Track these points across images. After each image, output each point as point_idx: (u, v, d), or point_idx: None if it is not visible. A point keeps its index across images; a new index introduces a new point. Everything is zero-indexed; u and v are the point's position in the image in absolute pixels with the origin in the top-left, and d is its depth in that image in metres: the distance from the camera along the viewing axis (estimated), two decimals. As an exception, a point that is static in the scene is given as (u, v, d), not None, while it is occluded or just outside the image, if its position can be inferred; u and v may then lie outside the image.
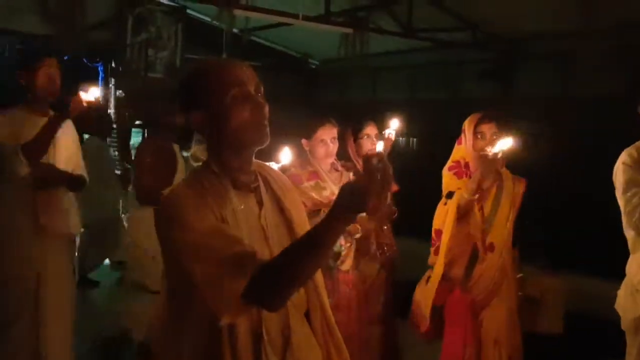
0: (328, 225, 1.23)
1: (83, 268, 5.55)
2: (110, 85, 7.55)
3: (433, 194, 2.99)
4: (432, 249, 2.89)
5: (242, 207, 1.42)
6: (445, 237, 2.76)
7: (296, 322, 1.46)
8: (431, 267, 2.92)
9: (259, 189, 1.50)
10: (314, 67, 8.71)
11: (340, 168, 3.06)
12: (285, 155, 2.33)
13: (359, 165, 3.22)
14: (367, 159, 1.17)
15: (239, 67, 1.44)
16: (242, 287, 1.26)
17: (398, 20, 6.20)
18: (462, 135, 2.89)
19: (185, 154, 7.46)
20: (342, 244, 2.82)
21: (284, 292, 1.31)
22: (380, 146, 1.26)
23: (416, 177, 4.56)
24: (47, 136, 2.69)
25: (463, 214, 2.73)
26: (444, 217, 2.79)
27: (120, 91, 7.67)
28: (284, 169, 2.43)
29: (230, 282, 1.27)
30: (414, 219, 3.37)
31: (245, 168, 1.47)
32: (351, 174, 3.05)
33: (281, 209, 1.52)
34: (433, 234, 2.88)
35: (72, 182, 2.95)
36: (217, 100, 1.40)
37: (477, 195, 2.69)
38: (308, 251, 1.27)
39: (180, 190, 1.40)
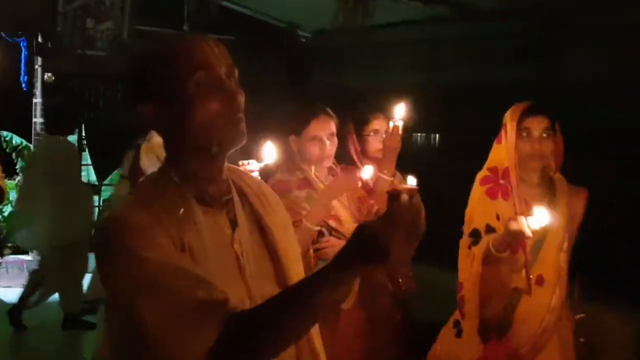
0: (331, 275, 1.22)
1: None
2: (36, 66, 7.51)
3: (459, 207, 2.96)
4: (458, 297, 2.87)
5: (210, 227, 1.41)
6: (471, 295, 2.76)
7: None
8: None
9: (232, 204, 1.48)
10: (303, 40, 8.68)
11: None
12: (269, 153, 2.31)
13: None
14: (394, 195, 1.16)
15: (205, 44, 1.41)
16: (208, 345, 1.24)
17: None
18: (503, 131, 2.87)
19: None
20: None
21: (264, 355, 1.30)
22: (412, 180, 1.22)
23: (437, 185, 4.51)
24: None
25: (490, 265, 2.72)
26: (468, 267, 2.79)
27: (50, 74, 7.64)
28: (267, 172, 2.44)
29: (191, 339, 1.24)
30: (435, 241, 3.34)
31: (214, 176, 1.46)
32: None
33: (262, 230, 1.51)
34: (458, 284, 2.87)
35: None
36: (176, 87, 1.38)
37: (506, 253, 2.65)
38: (300, 307, 1.25)
39: (128, 208, 1.37)
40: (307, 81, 8.27)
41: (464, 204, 2.95)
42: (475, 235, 2.78)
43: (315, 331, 1.52)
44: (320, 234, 2.77)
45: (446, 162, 6.32)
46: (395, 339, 3.13)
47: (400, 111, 3.00)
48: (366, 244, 1.17)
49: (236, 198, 1.49)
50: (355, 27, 6.59)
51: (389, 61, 7.68)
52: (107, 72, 7.70)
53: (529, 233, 2.48)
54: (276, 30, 8.52)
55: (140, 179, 1.49)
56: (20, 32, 7.33)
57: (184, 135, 1.40)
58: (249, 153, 2.34)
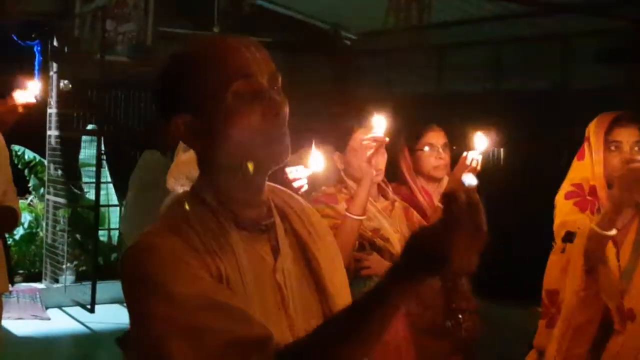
0: (388, 291, 1.19)
1: None
2: (51, 72, 7.63)
3: (532, 231, 2.94)
4: (541, 322, 2.84)
5: (249, 255, 1.40)
6: (570, 302, 2.71)
7: None
8: (534, 348, 2.88)
9: (275, 229, 1.47)
10: (349, 43, 8.72)
11: (392, 195, 3.00)
12: (316, 160, 2.35)
13: (417, 187, 3.22)
14: (451, 197, 1.14)
15: (244, 48, 1.39)
16: None
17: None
18: (585, 146, 2.86)
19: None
20: None
21: None
22: (470, 179, 1.19)
23: (506, 207, 4.47)
24: None
25: (593, 264, 2.67)
26: (562, 270, 2.76)
27: (66, 81, 7.75)
28: (313, 180, 2.45)
29: None
30: (504, 273, 3.29)
31: (253, 198, 1.45)
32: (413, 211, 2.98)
33: (307, 259, 1.50)
34: (544, 298, 2.84)
35: (3, 219, 2.97)
36: (211, 98, 1.36)
37: (615, 231, 2.60)
38: (353, 331, 1.24)
39: (159, 236, 1.36)
40: (353, 88, 8.28)
41: (539, 225, 2.96)
42: (569, 238, 2.76)
43: None
44: (361, 246, 2.78)
45: (514, 179, 6.27)
46: None
47: (480, 142, 3.04)
48: (423, 251, 1.16)
49: (278, 222, 1.48)
50: (408, 27, 6.61)
51: (446, 66, 7.67)
52: (129, 80, 7.78)
53: None
54: (319, 32, 8.60)
55: (170, 201, 1.48)
56: (33, 35, 7.45)
57: (221, 152, 1.38)
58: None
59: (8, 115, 2.77)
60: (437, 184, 3.32)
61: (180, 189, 2.36)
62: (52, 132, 7.79)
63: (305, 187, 2.42)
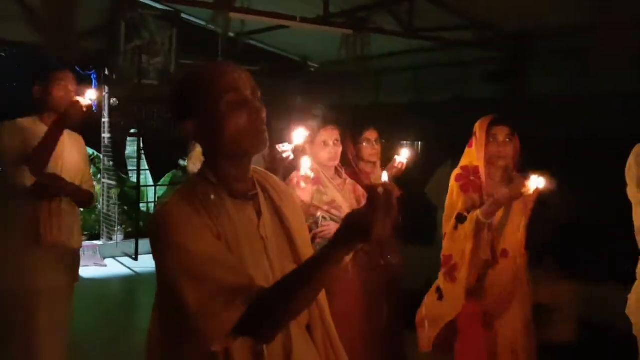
0: (330, 253, 1.22)
1: None
2: (104, 93, 7.56)
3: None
4: (441, 274, 2.87)
5: (240, 217, 1.40)
6: (463, 271, 2.76)
7: (297, 335, 1.43)
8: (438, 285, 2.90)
9: (258, 198, 1.46)
10: (313, 70, 8.69)
11: (344, 175, 3.00)
12: (297, 136, 2.35)
13: (359, 170, 3.22)
14: (372, 188, 1.17)
15: (233, 71, 1.40)
16: (234, 321, 1.24)
17: (399, 20, 6.18)
18: (474, 138, 2.88)
19: (182, 162, 7.47)
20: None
21: (280, 324, 1.31)
22: (385, 176, 1.25)
23: (421, 182, 4.51)
24: (48, 144, 2.68)
25: (478, 240, 2.74)
26: (456, 243, 2.79)
27: (114, 99, 7.67)
28: (297, 149, 2.46)
29: (223, 314, 1.25)
30: (418, 224, 3.33)
31: (242, 176, 1.45)
32: (353, 183, 2.99)
33: (281, 219, 1.49)
34: (443, 258, 2.85)
35: (78, 195, 2.92)
36: (211, 106, 1.36)
37: (491, 219, 2.69)
38: (308, 281, 1.25)
39: (174, 204, 1.36)
40: (316, 102, 8.25)
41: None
42: (461, 218, 2.78)
43: (322, 295, 1.50)
44: (323, 218, 2.76)
45: (427, 163, 6.30)
46: (386, 301, 3.11)
47: (405, 153, 3.14)
48: (354, 226, 1.18)
49: (260, 193, 1.47)
50: (355, 58, 6.60)
51: (381, 85, 7.69)
52: (158, 97, 7.71)
53: (530, 190, 2.58)
54: (292, 62, 8.56)
55: (187, 180, 1.46)
56: (91, 67, 7.36)
57: (219, 144, 1.39)
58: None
59: (74, 112, 2.67)
60: (372, 166, 3.33)
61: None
62: (106, 135, 7.76)
63: (291, 156, 2.41)
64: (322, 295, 1.51)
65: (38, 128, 2.82)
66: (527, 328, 2.85)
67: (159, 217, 1.33)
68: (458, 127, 3.22)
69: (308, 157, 2.40)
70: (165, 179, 8.55)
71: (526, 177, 2.64)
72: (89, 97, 2.74)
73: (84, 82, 7.27)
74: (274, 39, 7.91)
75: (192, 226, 1.30)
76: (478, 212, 2.71)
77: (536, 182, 2.58)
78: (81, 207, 3.04)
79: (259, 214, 1.44)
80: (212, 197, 1.38)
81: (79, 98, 2.73)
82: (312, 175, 2.18)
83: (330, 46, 6.81)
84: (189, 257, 1.26)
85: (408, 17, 6.06)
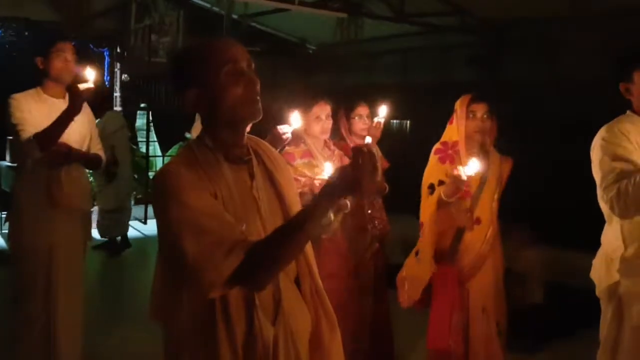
0: (317, 205, 1.24)
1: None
2: (116, 69, 7.50)
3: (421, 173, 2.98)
4: (420, 235, 2.89)
5: (235, 179, 1.41)
6: (428, 230, 2.78)
7: (286, 287, 1.44)
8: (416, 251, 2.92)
9: (251, 162, 1.46)
10: (310, 51, 8.64)
11: (332, 147, 3.01)
12: (295, 120, 2.38)
13: (351, 142, 3.20)
14: (356, 149, 1.21)
15: (230, 45, 1.40)
16: (230, 269, 1.26)
17: (390, 5, 6.15)
18: (454, 115, 2.88)
19: (188, 135, 7.47)
20: (331, 219, 2.79)
21: (271, 273, 1.33)
22: (368, 139, 1.29)
23: (408, 157, 4.53)
24: (60, 128, 2.68)
25: (442, 208, 2.75)
26: (426, 211, 2.80)
27: (126, 75, 7.63)
28: (295, 133, 2.49)
29: (220, 263, 1.26)
30: (405, 196, 3.35)
31: (238, 142, 1.44)
32: (341, 155, 3.00)
33: (273, 182, 1.50)
34: (420, 223, 2.87)
35: (87, 160, 2.96)
36: (211, 77, 1.36)
37: (454, 198, 2.69)
38: (296, 233, 1.26)
39: (175, 165, 1.37)
40: (313, 81, 8.24)
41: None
42: (432, 188, 2.80)
43: (309, 251, 1.53)
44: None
45: (413, 140, 6.34)
46: (373, 263, 3.13)
47: (382, 111, 3.02)
48: (341, 179, 1.22)
49: (254, 158, 1.48)
50: (348, 40, 6.58)
51: (373, 66, 7.66)
52: (166, 74, 7.67)
53: (464, 177, 2.55)
54: (290, 43, 8.51)
55: (187, 146, 1.47)
56: (104, 45, 7.31)
57: (217, 112, 1.39)
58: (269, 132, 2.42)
59: (86, 92, 2.65)
60: (363, 140, 3.32)
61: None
62: (117, 108, 7.67)
63: (290, 137, 2.46)
64: (310, 252, 1.53)
65: (41, 98, 2.82)
66: (497, 289, 2.87)
67: (161, 178, 1.34)
68: (442, 107, 3.21)
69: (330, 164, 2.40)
70: (173, 150, 8.52)
71: (499, 157, 2.63)
72: (88, 77, 2.67)
73: (97, 59, 7.24)
74: (274, 22, 7.84)
75: (191, 185, 1.31)
76: (442, 189, 2.73)
77: (472, 167, 2.58)
78: (90, 169, 3.05)
79: (252, 176, 1.45)
80: (210, 160, 1.39)
81: (82, 85, 2.67)
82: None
83: (326, 29, 6.79)
84: (189, 212, 1.27)
85: (398, 2, 6.04)
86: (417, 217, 2.89)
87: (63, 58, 2.81)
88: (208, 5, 7.46)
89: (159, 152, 8.37)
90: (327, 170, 2.29)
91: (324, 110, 2.88)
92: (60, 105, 2.78)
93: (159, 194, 1.33)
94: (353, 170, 1.19)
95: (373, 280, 3.12)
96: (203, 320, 1.36)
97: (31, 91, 2.85)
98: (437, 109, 3.69)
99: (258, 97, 1.40)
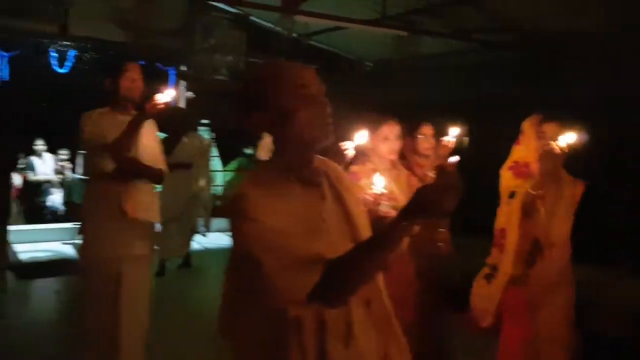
0: (397, 227, 1.21)
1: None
2: (181, 87, 7.66)
3: (486, 192, 2.86)
4: (493, 249, 2.77)
5: (306, 200, 1.39)
6: (512, 236, 2.66)
7: (358, 311, 1.41)
8: (487, 265, 2.80)
9: (322, 184, 1.45)
10: (368, 68, 8.56)
11: (399, 167, 2.90)
12: (359, 137, 2.32)
13: (414, 162, 3.09)
14: (442, 166, 1.20)
15: (303, 69, 1.41)
16: (308, 285, 1.25)
17: (447, 22, 6.04)
18: (521, 136, 2.77)
19: (247, 150, 7.50)
20: None
21: (347, 291, 1.31)
22: (454, 158, 1.22)
23: (469, 176, 4.36)
24: (129, 136, 2.74)
25: (527, 212, 2.63)
26: (508, 216, 2.69)
27: (190, 92, 7.77)
28: (359, 149, 2.41)
29: (297, 280, 1.26)
30: (465, 215, 3.20)
31: (309, 164, 1.45)
32: (409, 174, 2.89)
33: (342, 204, 1.48)
34: (496, 232, 2.76)
35: (153, 175, 2.99)
36: (282, 100, 1.37)
37: (540, 191, 2.57)
38: (375, 253, 1.26)
39: (249, 186, 1.37)
40: (371, 98, 8.14)
41: (489, 188, 2.84)
42: (513, 194, 2.71)
43: (380, 277, 1.50)
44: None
45: (471, 158, 6.11)
46: (434, 284, 3.00)
47: (453, 132, 2.95)
48: (423, 201, 1.18)
49: (324, 180, 1.47)
50: (406, 57, 6.50)
51: (429, 83, 7.50)
52: (228, 92, 7.76)
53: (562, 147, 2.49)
54: (348, 60, 8.47)
55: (258, 167, 1.49)
56: (170, 63, 7.48)
57: (288, 135, 1.39)
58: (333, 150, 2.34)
59: (153, 106, 2.73)
60: (427, 160, 3.24)
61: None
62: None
63: (352, 154, 2.38)
64: (380, 276, 1.50)
65: (110, 116, 2.88)
66: (567, 318, 2.73)
67: (237, 198, 1.33)
68: (500, 124, 3.08)
69: (380, 175, 2.33)
70: (232, 165, 8.62)
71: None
72: (168, 95, 2.76)
73: (164, 77, 7.41)
74: (332, 40, 7.83)
75: (265, 205, 1.31)
76: (527, 186, 2.64)
77: (567, 138, 2.52)
78: (155, 183, 3.07)
79: (322, 198, 1.44)
80: (282, 181, 1.38)
81: (157, 96, 2.75)
82: (385, 192, 2.12)
83: (383, 46, 6.72)
84: (266, 231, 1.27)
85: (456, 20, 5.92)
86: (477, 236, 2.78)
87: (130, 78, 2.89)
88: (270, 25, 7.53)
89: (219, 167, 8.45)
90: (377, 182, 2.23)
91: (393, 130, 2.78)
92: (127, 122, 2.82)
93: (235, 214, 1.33)
94: (437, 189, 1.16)
95: (437, 303, 2.98)
96: (274, 340, 1.34)
97: (102, 109, 2.92)
98: (496, 125, 3.56)
99: (330, 121, 1.40)
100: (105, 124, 2.83)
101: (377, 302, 1.46)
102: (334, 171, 1.54)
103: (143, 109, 2.77)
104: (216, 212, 7.08)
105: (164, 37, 7.09)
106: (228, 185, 8.38)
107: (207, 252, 6.82)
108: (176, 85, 7.56)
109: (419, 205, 1.18)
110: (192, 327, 4.21)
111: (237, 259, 1.41)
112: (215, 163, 8.35)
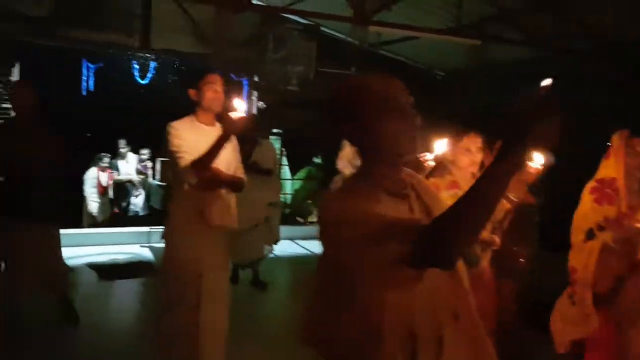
0: (496, 165, 1.08)
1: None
2: (253, 97, 7.81)
3: (569, 206, 2.73)
4: (572, 277, 2.64)
5: (394, 212, 1.35)
6: (583, 278, 2.53)
7: (447, 323, 1.38)
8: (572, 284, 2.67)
9: (410, 197, 1.44)
10: (438, 77, 8.45)
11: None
12: (439, 147, 2.30)
13: None
14: (539, 89, 1.05)
15: (391, 82, 1.40)
16: (410, 248, 1.18)
17: (523, 30, 5.86)
18: (611, 150, 2.64)
19: (316, 160, 7.50)
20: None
21: (456, 245, 1.19)
22: (548, 80, 1.08)
23: (552, 189, 4.21)
24: (215, 153, 2.81)
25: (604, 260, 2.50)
26: (582, 257, 2.55)
27: (262, 102, 7.92)
28: (437, 159, 2.40)
29: (397, 246, 1.20)
30: (549, 231, 3.10)
31: (397, 176, 1.44)
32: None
33: (429, 216, 1.44)
34: (569, 268, 2.62)
35: (232, 184, 3.07)
36: (372, 113, 1.37)
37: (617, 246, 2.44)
38: (480, 196, 1.11)
39: (340, 196, 1.39)
40: (443, 108, 8.01)
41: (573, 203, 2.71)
42: (591, 233, 2.56)
43: (468, 288, 1.45)
44: None
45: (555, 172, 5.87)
46: (513, 299, 2.97)
47: (539, 159, 2.78)
48: (519, 127, 1.05)
49: (411, 192, 1.46)
50: (480, 66, 6.36)
51: (504, 91, 7.27)
52: (298, 102, 7.86)
53: None
54: (419, 70, 8.39)
55: (347, 178, 1.48)
56: (243, 74, 7.65)
57: (377, 147, 1.40)
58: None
59: (239, 122, 2.74)
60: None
61: (345, 170, 2.36)
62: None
63: (432, 164, 2.36)
64: (469, 289, 1.46)
65: (194, 125, 2.98)
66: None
67: (329, 207, 1.36)
68: (583, 137, 2.94)
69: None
70: (301, 173, 8.71)
71: None
72: (239, 108, 2.77)
73: (236, 87, 7.59)
74: (403, 49, 7.79)
75: (358, 213, 1.30)
76: (609, 237, 2.46)
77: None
78: (234, 192, 3.13)
79: (411, 210, 1.42)
80: (370, 193, 1.37)
81: (234, 113, 2.75)
82: None
83: (455, 55, 6.61)
84: (360, 237, 1.25)
85: (533, 27, 5.73)
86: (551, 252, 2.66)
87: (213, 89, 2.97)
88: (341, 35, 7.57)
89: (288, 176, 8.56)
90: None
91: (475, 142, 2.74)
92: (211, 132, 2.91)
93: (327, 223, 1.35)
94: (532, 109, 1.03)
95: (518, 319, 2.90)
96: (364, 352, 1.33)
97: (186, 119, 3.02)
98: (578, 139, 3.39)
99: (417, 133, 1.39)
100: (190, 134, 2.92)
101: (466, 317, 1.42)
102: (421, 183, 1.53)
103: (229, 125, 2.77)
104: (285, 220, 7.15)
105: (238, 48, 7.27)
106: (297, 193, 8.47)
107: (276, 260, 6.87)
108: (248, 95, 7.74)
109: (516, 132, 1.05)
110: (264, 333, 4.27)
111: (329, 267, 1.41)
112: (285, 171, 8.48)
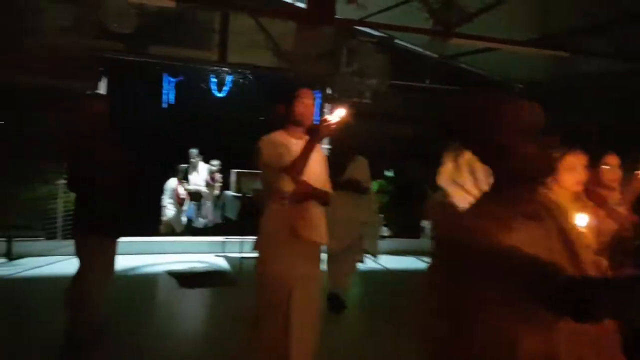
0: None
1: None
2: (325, 110, 7.84)
3: None
4: None
5: (532, 236, 1.34)
6: None
7: (588, 349, 1.34)
8: None
9: (546, 220, 1.41)
10: (517, 90, 8.21)
11: (584, 199, 2.70)
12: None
13: (595, 195, 2.85)
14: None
15: (524, 104, 1.40)
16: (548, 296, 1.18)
17: (611, 41, 5.60)
18: None
19: (387, 173, 7.35)
20: None
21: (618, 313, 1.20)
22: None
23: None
24: (305, 158, 2.86)
25: None
26: None
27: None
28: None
29: (533, 289, 1.21)
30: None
31: (532, 198, 1.42)
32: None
33: (565, 238, 1.42)
34: None
35: (321, 197, 3.08)
36: (507, 136, 1.36)
37: None
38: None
39: (472, 220, 1.37)
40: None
41: None
42: None
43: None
44: None
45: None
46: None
47: None
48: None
49: (547, 215, 1.42)
50: (565, 78, 6.13)
51: (589, 105, 6.96)
52: (372, 114, 7.82)
53: None
54: (494, 82, 8.18)
55: (479, 200, 1.46)
56: (317, 87, 7.70)
57: (514, 169, 1.38)
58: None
59: (326, 129, 2.85)
60: (612, 192, 2.96)
61: (448, 187, 2.31)
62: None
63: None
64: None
65: (285, 139, 3.01)
66: None
67: (463, 229, 1.35)
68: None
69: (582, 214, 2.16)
70: (373, 186, 8.61)
71: None
72: (337, 115, 2.82)
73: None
74: (477, 60, 7.63)
75: (493, 235, 1.29)
76: None
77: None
78: (323, 205, 3.13)
79: (547, 233, 1.39)
80: (506, 215, 1.36)
81: (327, 117, 2.83)
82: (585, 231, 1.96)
83: (534, 67, 6.40)
84: (491, 259, 1.26)
85: (620, 39, 5.47)
86: None
87: (304, 103, 2.99)
88: (416, 48, 7.50)
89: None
90: (579, 222, 2.04)
91: (580, 160, 2.60)
92: (301, 146, 2.94)
93: (459, 246, 1.34)
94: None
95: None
96: None
97: (277, 134, 3.05)
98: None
99: (552, 155, 1.42)
100: (281, 148, 2.96)
101: (605, 338, 1.39)
102: (555, 205, 1.49)
103: (316, 131, 2.86)
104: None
105: (312, 62, 7.32)
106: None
107: (376, 272, 6.73)
108: (321, 108, 7.78)
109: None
110: (361, 346, 4.21)
111: (459, 288, 1.38)
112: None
